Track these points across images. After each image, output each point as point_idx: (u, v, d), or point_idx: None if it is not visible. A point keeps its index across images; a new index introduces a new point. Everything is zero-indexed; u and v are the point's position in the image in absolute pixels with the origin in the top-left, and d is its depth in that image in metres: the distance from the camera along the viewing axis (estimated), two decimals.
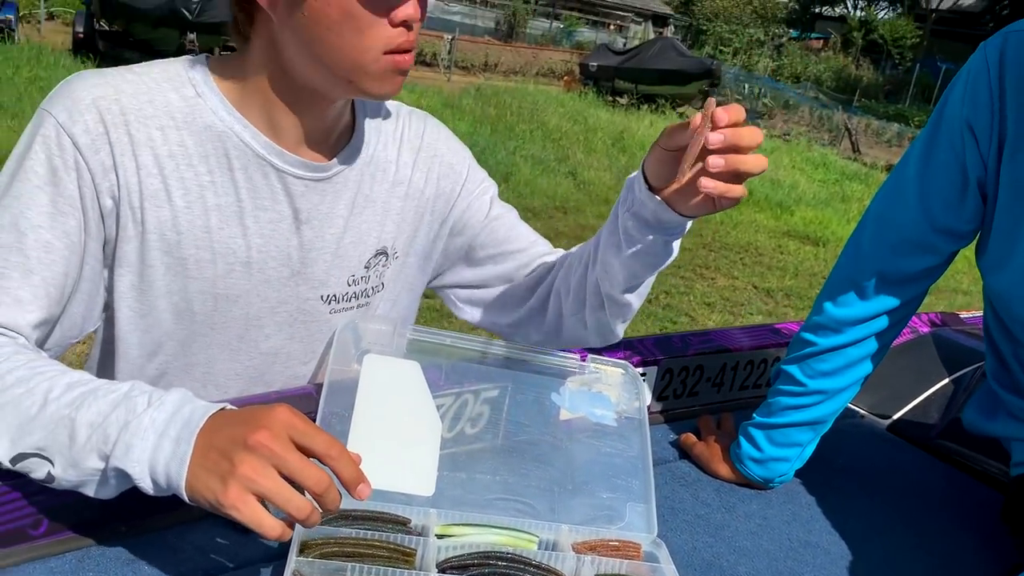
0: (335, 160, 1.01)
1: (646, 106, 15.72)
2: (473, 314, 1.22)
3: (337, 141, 1.02)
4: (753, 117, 18.45)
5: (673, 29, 32.68)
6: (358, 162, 1.04)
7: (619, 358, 1.30)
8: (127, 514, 0.87)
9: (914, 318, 1.84)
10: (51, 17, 14.83)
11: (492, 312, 1.21)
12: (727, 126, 0.80)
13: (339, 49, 0.88)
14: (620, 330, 1.15)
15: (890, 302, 1.16)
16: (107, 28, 11.22)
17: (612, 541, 0.97)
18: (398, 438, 0.99)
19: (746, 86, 21.29)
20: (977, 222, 1.12)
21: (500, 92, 14.55)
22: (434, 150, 1.13)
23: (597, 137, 12.33)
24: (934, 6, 32.34)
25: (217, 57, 0.98)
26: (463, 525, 0.96)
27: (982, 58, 1.06)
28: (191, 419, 0.72)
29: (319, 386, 1.01)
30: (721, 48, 27.53)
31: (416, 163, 1.11)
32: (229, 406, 0.76)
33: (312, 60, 0.90)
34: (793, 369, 1.21)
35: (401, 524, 0.93)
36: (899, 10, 35.32)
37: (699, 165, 0.84)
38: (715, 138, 0.80)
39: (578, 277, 1.09)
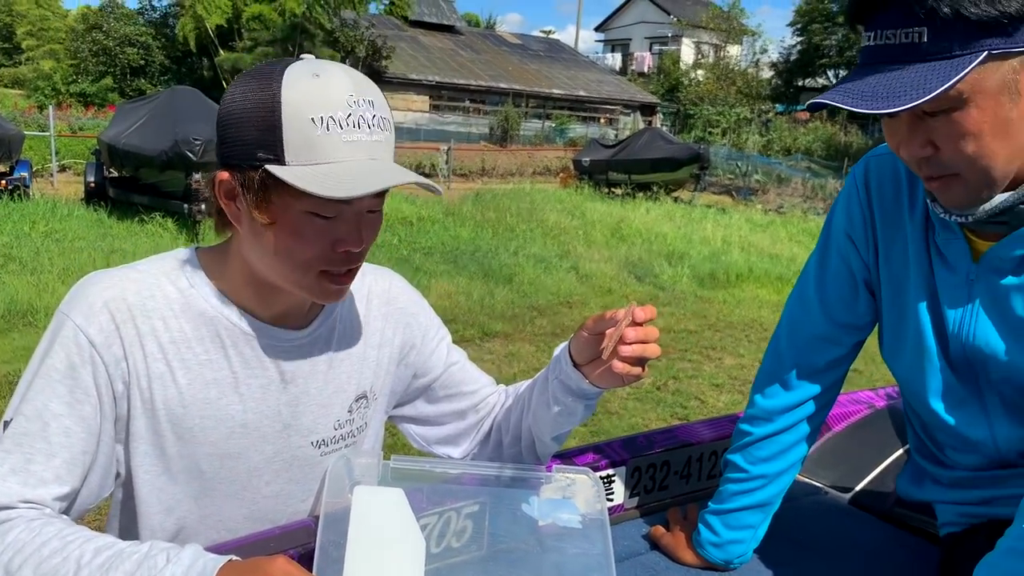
0: (312, 325, 1.19)
1: (641, 194, 16.11)
2: (426, 446, 1.41)
3: (312, 308, 1.20)
4: (746, 194, 18.83)
5: (662, 116, 33.60)
6: (331, 323, 1.22)
7: (588, 461, 1.46)
8: None
9: (871, 393, 1.99)
10: (63, 169, 15.47)
11: (444, 445, 1.41)
12: (643, 322, 1.08)
13: (283, 268, 1.07)
14: (547, 457, 1.37)
15: (810, 390, 1.32)
16: (117, 175, 11.73)
17: None
18: (388, 559, 1.14)
19: (737, 164, 21.79)
20: (871, 316, 1.29)
21: (498, 195, 14.96)
22: (400, 304, 1.32)
23: (596, 230, 12.63)
24: None
25: (204, 249, 1.17)
26: None
27: (852, 180, 1.26)
28: (203, 573, 0.89)
29: (317, 518, 1.16)
30: (710, 130, 28.23)
31: (386, 316, 1.29)
32: (235, 558, 0.93)
33: (267, 268, 1.09)
34: (736, 458, 1.36)
35: None
36: None
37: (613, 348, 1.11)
38: (631, 334, 1.08)
39: (515, 420, 1.33)
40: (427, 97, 28.62)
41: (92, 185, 11.65)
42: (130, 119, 11.38)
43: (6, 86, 32.23)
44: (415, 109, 28.11)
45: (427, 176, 20.19)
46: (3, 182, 11.31)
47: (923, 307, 1.20)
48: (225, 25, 25.06)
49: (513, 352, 6.73)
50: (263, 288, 1.12)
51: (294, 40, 23.91)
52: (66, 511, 1.07)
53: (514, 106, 28.66)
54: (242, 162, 1.02)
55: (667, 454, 1.57)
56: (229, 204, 1.06)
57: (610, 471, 1.50)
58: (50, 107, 16.34)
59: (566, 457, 1.46)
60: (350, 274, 1.11)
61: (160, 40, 28.63)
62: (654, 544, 1.43)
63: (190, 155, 9.82)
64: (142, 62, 28.24)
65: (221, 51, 25.43)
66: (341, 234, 1.05)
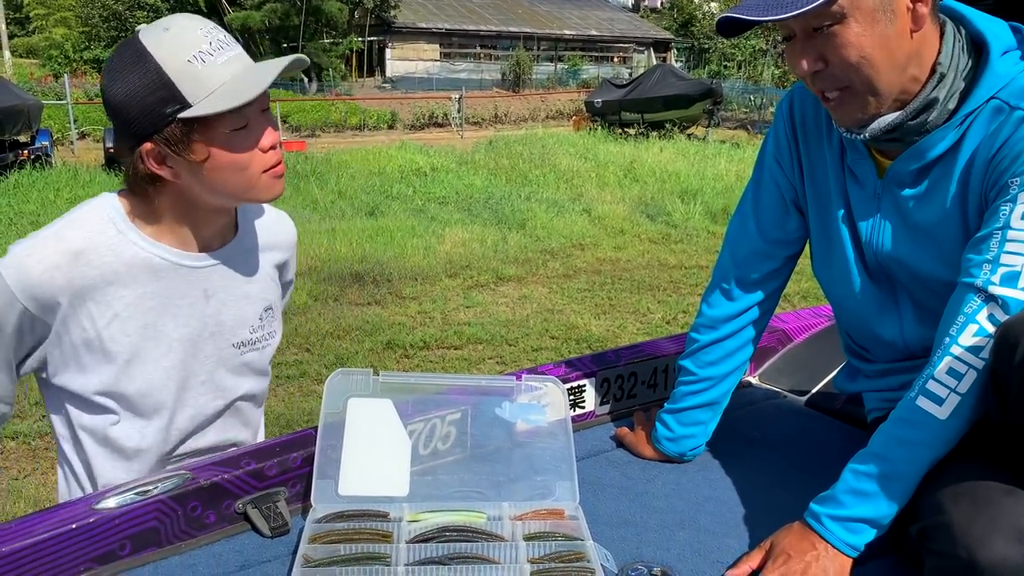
0: (226, 248, 1.40)
1: (654, 133, 16.09)
2: None
3: (225, 235, 1.41)
4: (761, 127, 18.71)
5: (676, 52, 33.15)
6: (243, 247, 1.44)
7: (560, 374, 1.63)
8: (185, 535, 1.22)
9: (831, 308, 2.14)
10: (82, 136, 15.70)
11: None
12: None
13: (234, 183, 1.27)
14: None
15: (750, 301, 1.48)
16: None
17: (542, 511, 1.29)
18: (378, 457, 1.34)
19: (751, 98, 21.59)
20: (801, 232, 1.45)
21: (511, 142, 15.02)
22: (283, 232, 1.55)
23: (608, 171, 12.70)
24: None
25: (125, 193, 1.34)
26: (429, 512, 1.28)
27: (779, 109, 1.41)
28: None
29: (316, 427, 1.35)
30: (725, 64, 27.89)
31: (275, 245, 1.52)
32: None
33: (216, 193, 1.29)
34: (687, 363, 1.53)
35: (382, 516, 1.26)
36: None
37: None
38: None
39: None
40: (437, 45, 28.46)
41: (111, 150, 11.85)
42: None
43: (20, 56, 32.39)
44: (426, 58, 28.01)
45: (440, 126, 20.08)
46: (26, 152, 11.56)
47: (842, 222, 1.36)
48: None
49: (526, 295, 6.91)
50: (193, 219, 1.33)
51: None
52: None
53: (525, 50, 28.45)
54: (156, 127, 1.21)
55: (633, 366, 1.74)
56: (162, 167, 1.25)
57: (581, 382, 1.67)
58: (65, 75, 16.50)
59: (540, 372, 1.63)
60: (281, 167, 1.32)
61: (169, 2, 28.56)
62: (619, 443, 1.61)
63: None
64: None
65: (230, 10, 25.38)
66: (259, 134, 1.27)
